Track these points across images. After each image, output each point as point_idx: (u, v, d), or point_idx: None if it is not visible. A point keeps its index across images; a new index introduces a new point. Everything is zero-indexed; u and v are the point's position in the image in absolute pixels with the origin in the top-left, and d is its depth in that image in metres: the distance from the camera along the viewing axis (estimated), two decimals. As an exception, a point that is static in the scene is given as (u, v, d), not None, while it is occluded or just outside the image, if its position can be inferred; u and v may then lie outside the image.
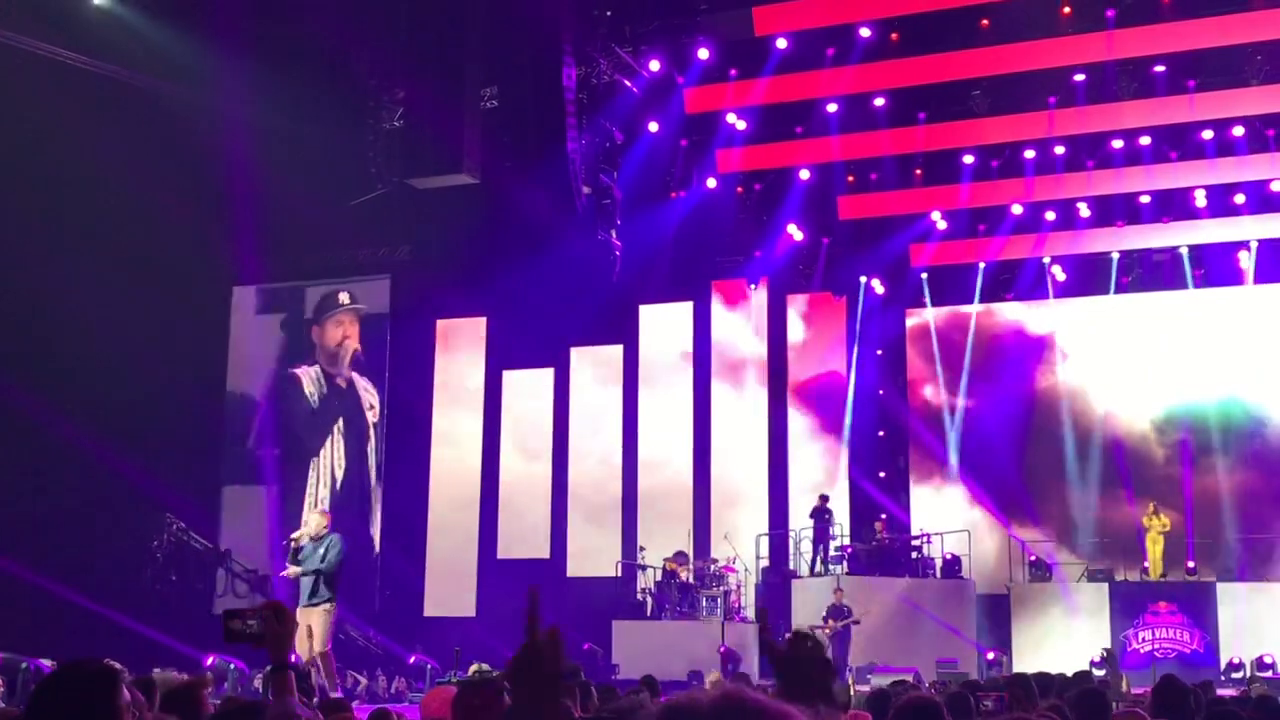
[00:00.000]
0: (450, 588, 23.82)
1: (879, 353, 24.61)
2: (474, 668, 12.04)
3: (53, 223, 19.64)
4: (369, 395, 24.71)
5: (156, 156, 19.64)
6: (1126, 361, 23.24)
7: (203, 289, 23.60)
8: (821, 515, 21.82)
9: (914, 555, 21.78)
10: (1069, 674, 12.25)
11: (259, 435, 24.99)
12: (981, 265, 23.93)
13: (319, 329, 25.15)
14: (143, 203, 19.67)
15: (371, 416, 24.61)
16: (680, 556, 21.31)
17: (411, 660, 18.41)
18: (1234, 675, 18.99)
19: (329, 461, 24.65)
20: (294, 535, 13.22)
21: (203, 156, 20.86)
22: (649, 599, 21.31)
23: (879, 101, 20.68)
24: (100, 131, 18.98)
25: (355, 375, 24.85)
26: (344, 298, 25.09)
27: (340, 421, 24.77)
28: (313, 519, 13.92)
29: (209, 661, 15.43)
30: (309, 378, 25.03)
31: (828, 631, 19.48)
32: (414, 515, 24.08)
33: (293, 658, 3.76)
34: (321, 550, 12.98)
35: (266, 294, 25.30)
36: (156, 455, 21.35)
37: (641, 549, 22.46)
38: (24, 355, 18.94)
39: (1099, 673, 16.56)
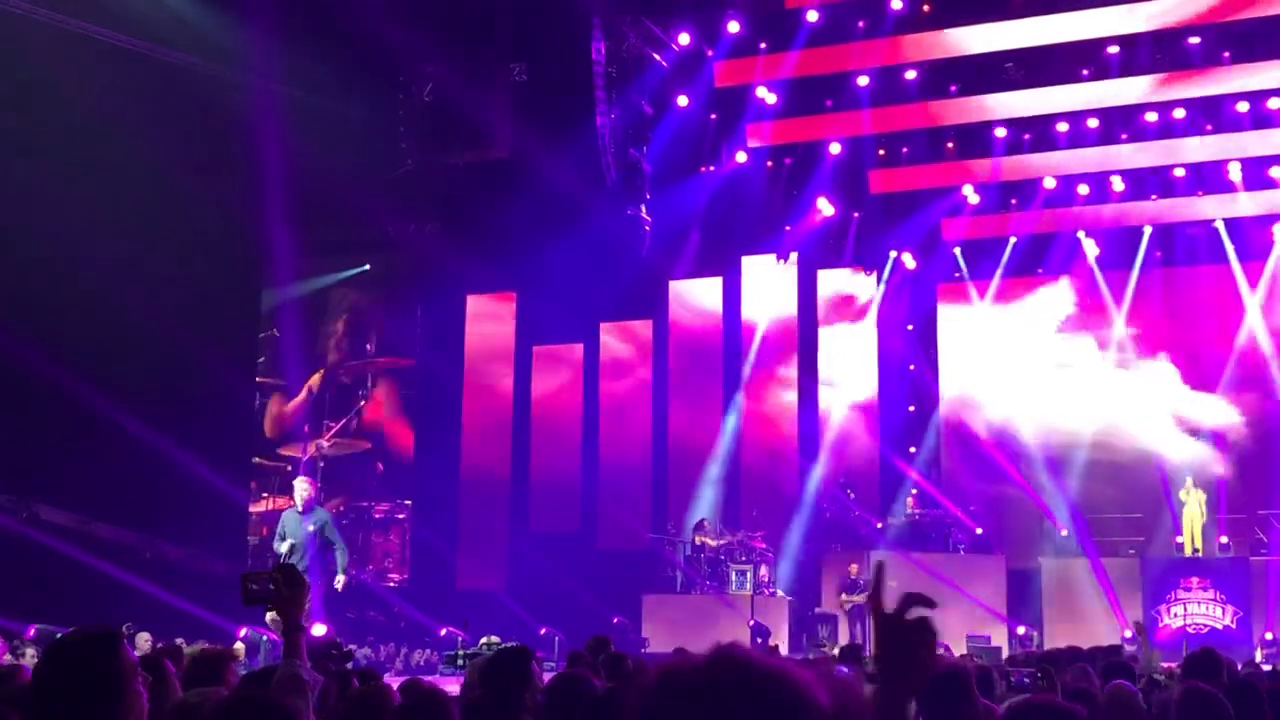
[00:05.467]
0: (482, 561, 23.97)
1: (909, 328, 24.51)
2: (484, 641, 12.04)
3: (82, 197, 19.68)
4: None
5: (188, 133, 19.69)
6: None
7: (234, 265, 23.59)
8: (844, 491, 21.81)
9: (945, 531, 21.72)
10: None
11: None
12: (1013, 239, 23.76)
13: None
14: (173, 178, 19.73)
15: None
16: (700, 527, 21.36)
17: (442, 633, 18.53)
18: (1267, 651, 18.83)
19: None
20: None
21: (233, 132, 20.88)
22: (679, 573, 21.37)
23: (910, 74, 20.54)
24: (133, 109, 19.02)
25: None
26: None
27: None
28: (300, 487, 13.86)
29: (242, 633, 15.50)
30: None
31: (845, 605, 19.58)
32: (446, 489, 24.19)
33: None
34: (311, 526, 13.21)
35: (296, 269, 25.29)
36: (190, 433, 21.36)
37: (671, 524, 22.51)
38: (61, 335, 19.02)
39: (1130, 648, 16.48)
